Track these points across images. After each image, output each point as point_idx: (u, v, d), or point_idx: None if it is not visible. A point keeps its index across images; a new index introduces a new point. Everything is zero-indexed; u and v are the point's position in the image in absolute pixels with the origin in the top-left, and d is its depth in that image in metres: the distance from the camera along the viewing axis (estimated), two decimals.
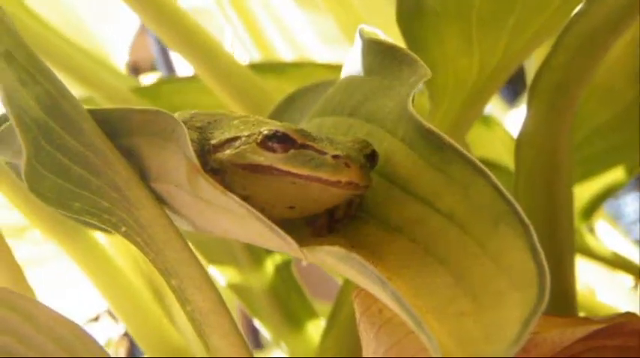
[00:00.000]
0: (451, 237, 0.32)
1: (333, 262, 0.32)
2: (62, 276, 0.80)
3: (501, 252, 0.30)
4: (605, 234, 0.82)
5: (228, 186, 0.35)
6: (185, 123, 0.37)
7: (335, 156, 0.34)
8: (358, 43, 0.40)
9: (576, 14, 0.43)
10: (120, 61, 0.93)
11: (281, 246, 0.33)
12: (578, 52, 0.44)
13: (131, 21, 0.96)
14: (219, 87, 0.64)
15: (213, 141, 0.37)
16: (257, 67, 0.68)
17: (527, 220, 0.30)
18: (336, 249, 0.31)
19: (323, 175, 0.34)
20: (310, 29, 0.94)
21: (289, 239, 0.32)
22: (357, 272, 0.30)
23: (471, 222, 0.31)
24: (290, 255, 0.63)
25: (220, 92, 0.64)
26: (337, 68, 0.58)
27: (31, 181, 0.38)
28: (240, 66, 0.65)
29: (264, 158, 0.35)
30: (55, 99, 0.38)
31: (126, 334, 1.02)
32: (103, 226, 0.39)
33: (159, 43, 1.59)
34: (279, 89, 0.61)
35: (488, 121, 0.64)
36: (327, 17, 0.87)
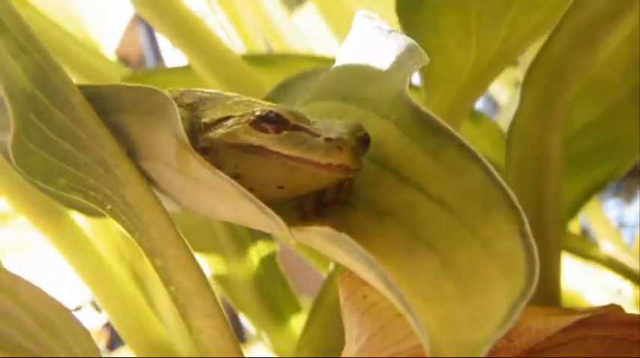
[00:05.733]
0: (441, 222, 0.31)
1: (321, 243, 0.31)
2: (45, 265, 0.79)
3: (491, 238, 0.30)
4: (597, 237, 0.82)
5: (219, 166, 0.35)
6: (175, 100, 0.36)
7: (327, 139, 0.34)
8: (355, 29, 0.40)
9: (573, 5, 0.42)
10: (110, 51, 0.93)
11: (269, 226, 0.33)
12: (574, 43, 0.44)
13: (124, 11, 0.95)
14: (212, 77, 0.63)
15: (204, 120, 0.37)
16: (246, 59, 0.68)
17: (519, 207, 0.29)
18: (324, 229, 0.31)
19: (314, 157, 0.34)
20: (299, 25, 0.93)
21: (278, 219, 0.32)
22: (346, 253, 0.30)
23: (463, 207, 0.31)
24: (276, 242, 0.63)
25: (213, 82, 0.63)
26: (327, 60, 0.58)
27: (18, 156, 0.37)
28: (235, 56, 0.65)
29: (256, 138, 0.35)
30: (44, 71, 0.38)
31: (107, 325, 1.01)
32: (88, 203, 0.38)
33: (149, 37, 1.59)
34: (269, 81, 0.61)
35: (476, 116, 0.64)
36: (315, 13, 0.87)
